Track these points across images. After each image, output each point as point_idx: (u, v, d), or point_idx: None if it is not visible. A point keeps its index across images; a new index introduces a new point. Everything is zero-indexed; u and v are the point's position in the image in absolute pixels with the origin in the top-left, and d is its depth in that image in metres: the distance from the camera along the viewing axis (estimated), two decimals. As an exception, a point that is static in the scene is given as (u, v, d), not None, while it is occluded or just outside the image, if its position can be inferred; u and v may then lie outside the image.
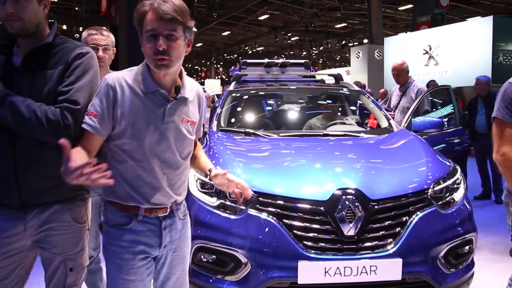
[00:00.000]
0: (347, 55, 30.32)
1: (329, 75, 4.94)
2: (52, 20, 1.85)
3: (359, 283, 2.40)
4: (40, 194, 1.76)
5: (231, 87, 4.41)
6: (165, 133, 1.72)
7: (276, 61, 5.05)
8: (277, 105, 5.20)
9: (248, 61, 5.15)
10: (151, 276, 1.80)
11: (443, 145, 4.13)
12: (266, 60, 5.03)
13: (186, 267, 1.94)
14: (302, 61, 5.23)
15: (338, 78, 4.68)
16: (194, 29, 1.82)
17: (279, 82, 4.65)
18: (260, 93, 4.83)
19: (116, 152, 1.71)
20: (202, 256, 2.55)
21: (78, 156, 1.51)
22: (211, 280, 2.52)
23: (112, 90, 1.66)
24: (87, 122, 1.65)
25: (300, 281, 2.37)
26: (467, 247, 2.67)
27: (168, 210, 1.79)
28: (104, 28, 2.68)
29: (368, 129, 4.10)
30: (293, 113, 4.68)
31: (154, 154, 1.70)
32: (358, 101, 4.70)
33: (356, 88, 4.54)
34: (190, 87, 1.83)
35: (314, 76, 5.18)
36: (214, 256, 2.53)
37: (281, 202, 2.47)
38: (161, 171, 1.73)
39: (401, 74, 5.47)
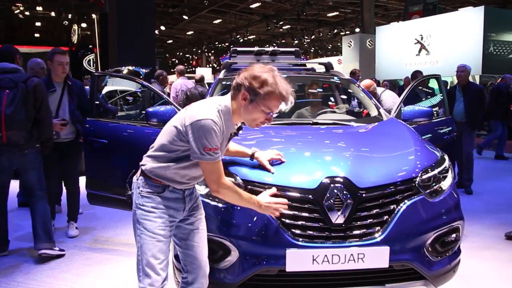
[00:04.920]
0: (339, 44, 30.36)
1: (319, 63, 4.92)
2: None
3: (347, 270, 2.41)
4: None
5: (221, 75, 4.37)
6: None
7: (266, 49, 5.02)
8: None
9: (238, 49, 5.10)
10: (171, 238, 2.28)
11: (431, 134, 4.14)
12: (256, 48, 4.99)
13: (205, 226, 2.40)
14: (293, 49, 5.20)
15: (328, 66, 4.67)
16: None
17: None
18: None
19: (183, 157, 2.17)
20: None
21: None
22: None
23: (218, 128, 2.11)
24: (216, 156, 2.11)
25: (288, 269, 2.38)
26: (454, 235, 2.69)
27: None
28: None
29: (357, 118, 4.10)
30: None
31: None
32: (349, 90, 4.69)
33: (346, 76, 4.53)
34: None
35: (304, 65, 5.16)
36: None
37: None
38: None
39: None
